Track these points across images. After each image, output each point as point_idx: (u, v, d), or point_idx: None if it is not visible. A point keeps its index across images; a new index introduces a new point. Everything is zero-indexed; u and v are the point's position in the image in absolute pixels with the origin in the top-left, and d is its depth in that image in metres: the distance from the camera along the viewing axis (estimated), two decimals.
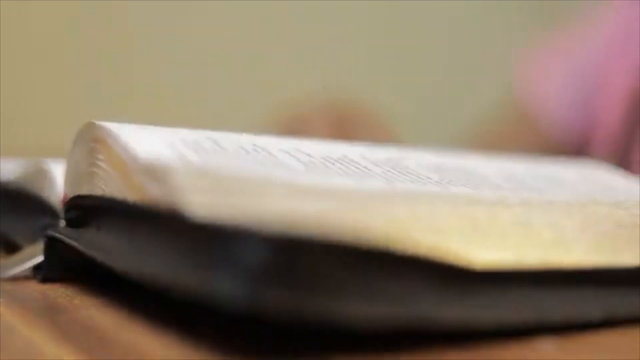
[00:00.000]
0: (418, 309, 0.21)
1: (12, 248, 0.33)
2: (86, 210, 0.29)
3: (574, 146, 0.70)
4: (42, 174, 0.33)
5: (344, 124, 0.63)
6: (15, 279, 0.29)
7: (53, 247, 0.29)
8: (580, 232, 0.25)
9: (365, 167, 0.29)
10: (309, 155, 0.29)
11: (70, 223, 0.29)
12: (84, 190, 0.29)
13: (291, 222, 0.20)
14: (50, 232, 0.29)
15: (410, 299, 0.21)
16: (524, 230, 0.24)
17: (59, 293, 0.28)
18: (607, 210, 0.26)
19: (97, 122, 0.28)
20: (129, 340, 0.22)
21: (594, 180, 0.35)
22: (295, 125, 0.62)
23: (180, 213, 0.22)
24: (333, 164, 0.28)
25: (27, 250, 0.31)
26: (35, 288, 0.29)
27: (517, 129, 0.75)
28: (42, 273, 0.29)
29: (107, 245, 0.26)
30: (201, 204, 0.21)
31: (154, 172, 0.24)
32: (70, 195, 0.30)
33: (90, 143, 0.28)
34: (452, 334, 0.22)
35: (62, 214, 0.30)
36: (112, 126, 0.27)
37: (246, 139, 0.30)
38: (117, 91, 1.13)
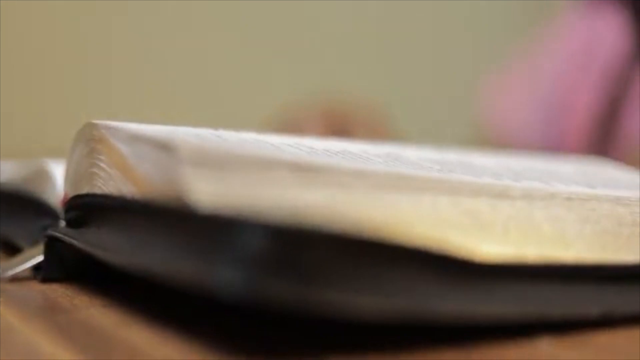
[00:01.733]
0: (420, 302, 0.21)
1: (11, 250, 0.33)
2: (86, 209, 0.29)
3: None
4: (42, 175, 0.33)
5: (340, 124, 0.63)
6: (15, 279, 0.30)
7: (53, 247, 0.29)
8: (581, 228, 0.25)
9: (366, 159, 0.29)
10: (310, 147, 0.29)
11: (71, 223, 0.29)
12: (84, 191, 0.29)
13: (294, 212, 0.20)
14: (51, 232, 0.29)
15: (412, 292, 0.21)
16: (525, 224, 0.24)
17: (59, 293, 0.28)
18: (608, 207, 0.26)
19: (97, 122, 0.28)
20: (129, 340, 0.22)
21: (594, 174, 0.35)
22: (291, 126, 0.61)
23: (182, 203, 0.22)
24: (335, 154, 0.29)
25: (28, 251, 0.31)
26: (35, 288, 0.29)
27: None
28: (42, 273, 0.29)
29: (107, 242, 0.26)
30: (206, 191, 0.21)
31: (158, 144, 0.23)
32: (71, 195, 0.30)
33: (91, 144, 0.28)
34: (450, 332, 0.22)
35: (62, 214, 0.30)
36: (112, 124, 0.27)
37: (247, 135, 0.30)
38: (116, 92, 1.13)
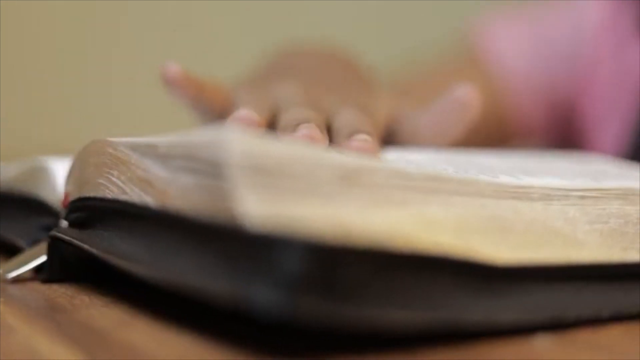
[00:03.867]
0: (449, 313, 0.21)
1: (11, 249, 0.33)
2: (93, 211, 0.28)
3: (530, 110, 0.67)
4: (41, 173, 0.33)
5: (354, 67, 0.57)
6: (15, 279, 0.30)
7: (56, 247, 0.29)
8: (590, 228, 0.26)
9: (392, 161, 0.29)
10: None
11: (74, 224, 0.29)
12: (90, 194, 0.28)
13: (336, 227, 0.20)
14: (54, 233, 0.29)
15: (442, 303, 0.21)
16: (542, 227, 0.25)
17: (59, 293, 0.28)
18: (617, 206, 0.27)
19: (111, 140, 0.27)
20: (129, 340, 0.22)
21: (594, 169, 0.35)
22: (287, 60, 0.57)
23: (231, 219, 0.21)
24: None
25: (29, 252, 0.30)
26: (35, 288, 0.29)
27: (464, 70, 0.68)
28: (44, 274, 0.29)
29: (121, 249, 0.26)
30: (255, 209, 0.20)
31: (203, 160, 0.22)
32: (74, 196, 0.29)
33: (102, 157, 0.27)
34: (465, 334, 0.22)
35: (62, 214, 0.30)
36: (130, 140, 0.26)
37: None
38: (116, 91, 1.13)
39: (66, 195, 0.30)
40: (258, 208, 0.21)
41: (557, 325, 0.24)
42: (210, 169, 0.22)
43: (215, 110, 0.37)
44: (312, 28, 1.16)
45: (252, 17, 1.19)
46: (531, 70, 0.67)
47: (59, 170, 0.32)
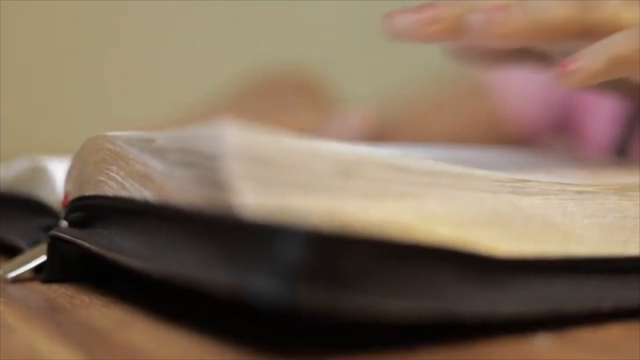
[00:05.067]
0: (448, 303, 0.21)
1: (11, 249, 0.33)
2: (92, 211, 0.28)
3: (527, 127, 0.68)
4: (41, 173, 0.33)
5: (307, 90, 0.60)
6: (15, 279, 0.30)
7: (56, 247, 0.29)
8: (589, 223, 0.26)
9: None
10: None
11: (74, 223, 0.29)
12: (90, 193, 0.28)
13: (333, 216, 0.20)
14: (54, 233, 0.29)
15: (441, 293, 0.21)
16: (542, 221, 0.25)
17: (59, 293, 0.28)
18: (615, 200, 0.27)
19: (109, 134, 0.27)
20: (129, 340, 0.22)
21: (596, 167, 0.35)
22: (261, 90, 0.59)
23: (227, 210, 0.21)
24: None
25: (29, 252, 0.30)
26: (35, 288, 0.29)
27: (463, 94, 0.70)
28: (44, 274, 0.29)
29: (122, 245, 0.26)
30: (252, 200, 0.21)
31: (199, 153, 0.22)
32: (74, 195, 0.29)
33: (101, 154, 0.27)
34: (448, 331, 0.22)
35: (62, 213, 0.30)
36: (128, 135, 0.26)
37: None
38: (116, 91, 1.13)
39: (66, 195, 0.30)
40: (255, 199, 0.21)
41: (557, 319, 0.24)
42: (207, 161, 0.22)
43: None
44: (309, 34, 1.16)
45: (251, 18, 1.18)
46: (530, 91, 0.69)
47: (59, 170, 0.32)
